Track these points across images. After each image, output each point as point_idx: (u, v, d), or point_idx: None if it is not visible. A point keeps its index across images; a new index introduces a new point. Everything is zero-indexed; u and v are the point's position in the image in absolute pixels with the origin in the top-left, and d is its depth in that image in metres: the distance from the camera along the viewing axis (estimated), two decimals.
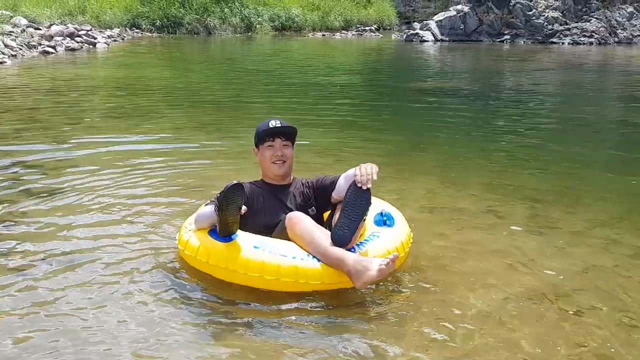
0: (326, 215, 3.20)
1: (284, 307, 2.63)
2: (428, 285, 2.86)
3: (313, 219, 2.97)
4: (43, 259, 2.98)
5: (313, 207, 3.16)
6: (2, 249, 3.09)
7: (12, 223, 3.46)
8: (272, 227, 3.00)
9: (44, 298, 2.61)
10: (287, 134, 3.16)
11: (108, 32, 16.73)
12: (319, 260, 2.73)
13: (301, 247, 2.79)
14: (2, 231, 3.34)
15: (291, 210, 3.07)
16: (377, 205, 3.24)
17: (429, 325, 2.53)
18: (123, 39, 16.60)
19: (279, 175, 3.15)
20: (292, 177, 3.26)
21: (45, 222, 3.47)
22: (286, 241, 2.85)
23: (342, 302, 2.69)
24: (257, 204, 3.07)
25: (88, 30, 15.67)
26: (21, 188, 4.08)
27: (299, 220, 2.85)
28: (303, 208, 3.11)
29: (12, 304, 2.56)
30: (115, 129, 6.19)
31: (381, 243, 2.88)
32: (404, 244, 2.99)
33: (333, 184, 3.14)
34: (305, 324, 2.52)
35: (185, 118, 6.98)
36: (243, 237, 2.83)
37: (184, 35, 17.96)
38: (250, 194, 3.08)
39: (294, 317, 2.57)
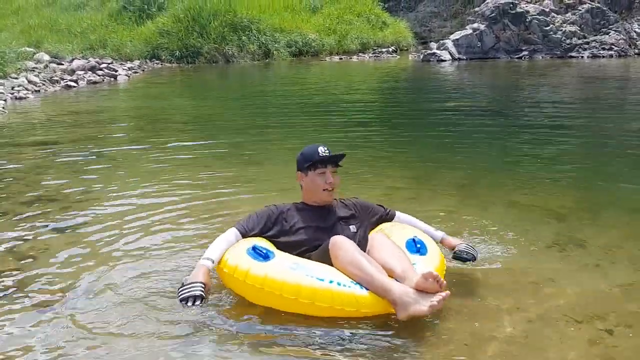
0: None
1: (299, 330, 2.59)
2: (453, 307, 2.81)
3: (354, 237, 3.04)
4: (66, 294, 2.99)
5: (354, 226, 3.20)
6: (25, 284, 3.11)
7: (34, 258, 3.49)
8: (309, 246, 3.02)
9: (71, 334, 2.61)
10: (337, 162, 3.26)
11: (128, 64, 17.00)
12: (360, 286, 2.69)
13: (344, 272, 2.75)
14: (24, 266, 3.36)
15: (330, 229, 3.11)
16: (409, 232, 3.22)
17: (456, 350, 2.47)
18: (143, 70, 16.86)
19: (327, 202, 3.23)
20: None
21: (67, 257, 3.48)
22: (324, 265, 2.82)
23: (362, 325, 2.65)
24: (295, 223, 3.13)
25: (109, 64, 15.94)
26: (44, 222, 4.12)
27: (343, 244, 2.83)
28: (344, 225, 3.16)
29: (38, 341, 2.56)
30: (139, 161, 6.24)
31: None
32: (439, 272, 2.90)
33: (384, 216, 3.41)
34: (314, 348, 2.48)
35: (208, 146, 7.01)
36: (281, 258, 2.83)
37: (203, 65, 18.18)
38: (287, 213, 3.17)
39: (306, 343, 2.53)
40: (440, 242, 3.36)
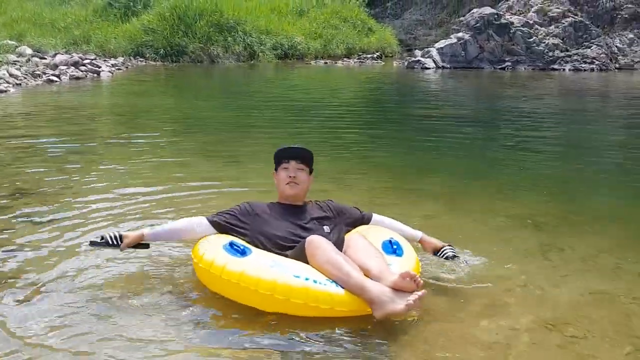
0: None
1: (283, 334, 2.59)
2: (432, 313, 2.82)
3: (327, 237, 3.02)
4: (44, 287, 2.96)
5: (327, 226, 3.20)
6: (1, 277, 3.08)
7: (11, 251, 3.45)
8: (281, 240, 3.04)
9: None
10: (302, 157, 3.29)
11: (112, 61, 16.86)
12: (336, 285, 2.70)
13: (320, 271, 2.76)
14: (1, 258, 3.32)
15: (303, 227, 3.13)
16: (385, 233, 3.23)
17: (431, 353, 2.49)
18: (127, 67, 16.73)
19: (291, 195, 3.25)
20: (305, 201, 3.35)
21: (45, 250, 3.45)
22: (299, 263, 2.83)
23: (344, 328, 2.65)
24: (267, 219, 3.15)
25: (92, 59, 15.78)
26: (22, 216, 4.07)
27: (320, 243, 2.84)
28: (318, 224, 3.17)
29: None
30: (119, 156, 6.20)
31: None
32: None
33: (360, 220, 3.39)
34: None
35: (189, 145, 6.99)
36: (259, 255, 2.85)
37: (187, 64, 18.09)
38: (261, 209, 3.20)
39: (287, 343, 2.53)
40: (419, 242, 3.40)
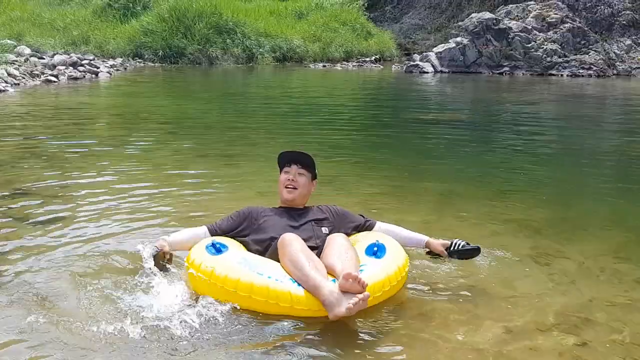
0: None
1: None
2: (425, 318, 2.83)
3: (326, 237, 3.09)
4: (39, 287, 2.96)
5: (326, 228, 3.23)
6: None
7: (9, 250, 3.44)
8: (274, 242, 3.05)
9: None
10: (303, 162, 3.34)
11: (111, 62, 16.86)
12: (298, 284, 2.71)
13: (286, 270, 2.79)
14: None
15: (299, 228, 3.15)
16: (373, 236, 3.22)
17: (426, 357, 2.49)
18: (125, 68, 16.72)
19: (288, 199, 3.30)
20: (305, 205, 3.39)
21: (42, 250, 3.45)
22: (269, 261, 2.88)
23: (329, 331, 2.65)
24: (265, 221, 3.20)
25: (91, 60, 15.78)
26: (19, 216, 4.07)
27: (289, 242, 2.86)
28: (316, 225, 3.20)
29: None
30: (116, 156, 6.20)
31: (363, 276, 2.76)
32: (391, 277, 2.90)
33: (362, 226, 3.38)
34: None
35: (187, 146, 6.99)
36: (231, 253, 2.91)
37: (186, 66, 18.09)
38: (259, 213, 3.25)
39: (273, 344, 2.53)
40: (426, 246, 3.37)
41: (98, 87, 13.35)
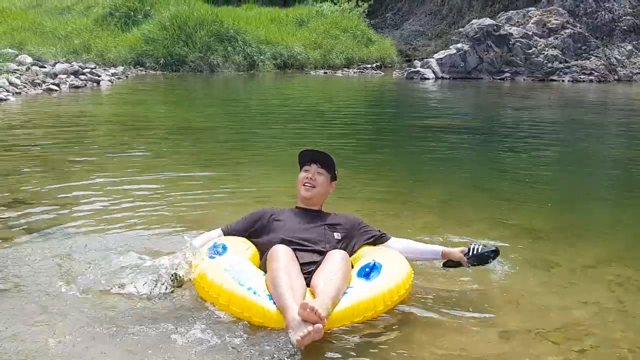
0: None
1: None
2: (424, 323, 2.82)
3: (337, 244, 3.12)
4: (42, 294, 2.95)
5: (339, 233, 3.23)
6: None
7: (10, 259, 3.43)
8: (292, 243, 3.06)
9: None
10: (322, 161, 3.35)
11: (112, 70, 16.89)
12: (274, 301, 2.66)
13: (266, 284, 2.78)
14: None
15: (311, 230, 3.17)
16: (377, 253, 3.15)
17: None
18: (127, 76, 16.76)
19: (306, 198, 3.32)
20: (323, 207, 3.41)
21: (43, 258, 3.44)
22: (256, 271, 2.89)
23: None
24: (279, 221, 3.24)
25: (92, 69, 15.81)
26: (21, 224, 4.07)
27: (276, 257, 2.84)
28: (329, 230, 3.21)
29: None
30: (117, 164, 6.20)
31: (343, 301, 2.72)
32: (377, 299, 2.78)
33: (376, 238, 3.32)
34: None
35: (188, 154, 6.99)
36: (224, 258, 2.94)
37: (187, 73, 18.13)
38: (273, 213, 3.31)
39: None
40: (443, 256, 3.27)
41: (99, 96, 13.37)
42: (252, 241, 3.23)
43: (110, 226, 4.07)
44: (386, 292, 2.84)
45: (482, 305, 3.03)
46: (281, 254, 2.86)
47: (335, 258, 2.92)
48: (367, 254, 3.17)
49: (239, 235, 3.28)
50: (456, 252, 3.22)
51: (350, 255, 3.16)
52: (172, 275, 3.02)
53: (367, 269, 2.95)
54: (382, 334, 2.70)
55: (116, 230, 3.98)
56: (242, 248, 3.14)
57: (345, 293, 2.76)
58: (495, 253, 3.16)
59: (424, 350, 2.59)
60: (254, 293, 2.71)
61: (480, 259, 3.14)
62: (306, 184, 3.32)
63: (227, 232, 3.31)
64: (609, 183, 6.32)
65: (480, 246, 3.15)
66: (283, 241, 3.06)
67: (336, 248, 3.08)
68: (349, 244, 3.23)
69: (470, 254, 3.14)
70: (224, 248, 3.03)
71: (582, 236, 4.33)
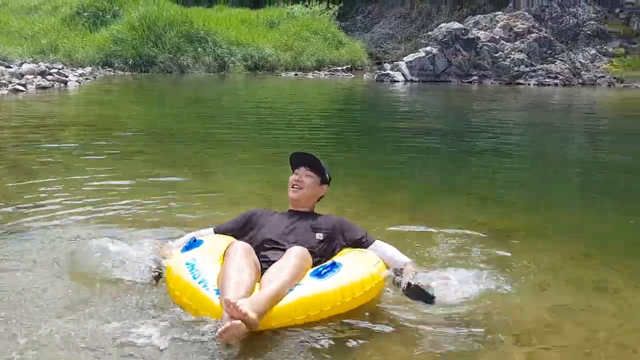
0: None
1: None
2: (393, 326, 2.86)
3: (318, 245, 3.18)
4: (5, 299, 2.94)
5: (320, 234, 3.27)
6: None
7: None
8: (266, 243, 3.15)
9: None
10: (310, 164, 3.44)
11: (80, 71, 16.68)
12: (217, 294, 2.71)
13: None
14: None
15: (293, 231, 3.22)
16: (343, 257, 3.12)
17: None
18: (95, 77, 16.56)
19: (293, 198, 3.41)
20: (312, 209, 3.48)
21: (7, 261, 3.41)
22: (215, 267, 2.92)
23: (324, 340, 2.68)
24: (265, 221, 3.34)
25: (60, 69, 15.59)
26: None
27: (234, 252, 2.90)
28: (312, 231, 3.26)
29: None
30: (84, 165, 6.13)
31: (286, 298, 2.69)
32: (323, 297, 2.73)
33: (357, 241, 3.33)
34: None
35: (158, 156, 6.95)
36: (191, 253, 3.03)
37: (156, 74, 17.98)
38: (262, 214, 3.41)
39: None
40: (401, 267, 3.21)
41: (67, 96, 13.20)
42: (245, 240, 3.19)
43: (74, 227, 4.04)
44: (337, 290, 2.78)
45: (449, 308, 3.00)
46: (236, 250, 2.90)
47: (290, 254, 2.90)
48: (340, 256, 3.16)
49: (229, 234, 3.36)
50: (408, 273, 3.13)
51: (331, 256, 3.17)
52: (152, 266, 3.13)
53: (323, 269, 2.89)
54: (345, 339, 2.72)
55: (76, 230, 3.97)
56: (221, 246, 3.11)
57: (291, 290, 2.73)
58: (431, 300, 2.98)
59: (391, 353, 2.63)
60: (204, 286, 2.75)
61: (419, 295, 2.99)
62: (294, 186, 3.41)
63: (217, 231, 3.43)
64: (572, 184, 6.48)
65: (424, 283, 2.99)
66: (266, 241, 3.14)
67: (316, 249, 3.12)
68: (330, 245, 3.25)
69: (412, 285, 3.00)
70: (198, 243, 3.11)
71: (547, 237, 4.41)
